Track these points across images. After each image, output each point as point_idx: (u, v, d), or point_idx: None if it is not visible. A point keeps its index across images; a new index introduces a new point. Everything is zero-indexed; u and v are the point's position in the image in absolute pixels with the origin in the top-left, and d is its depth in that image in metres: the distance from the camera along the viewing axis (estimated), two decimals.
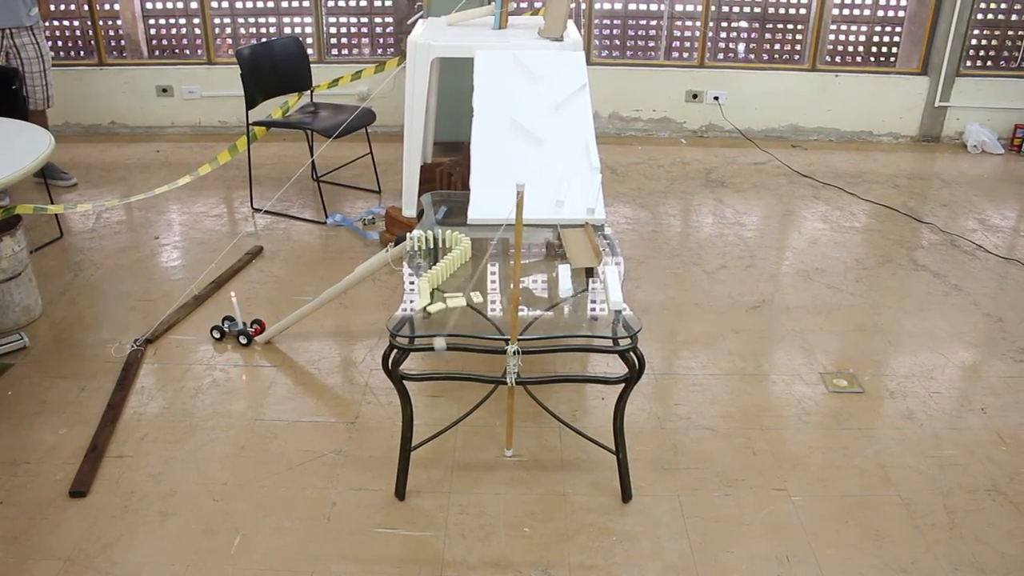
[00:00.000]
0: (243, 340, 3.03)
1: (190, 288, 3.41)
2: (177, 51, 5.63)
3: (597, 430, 2.48)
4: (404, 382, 2.17)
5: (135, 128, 5.61)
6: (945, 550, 2.14)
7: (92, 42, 5.48)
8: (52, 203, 4.07)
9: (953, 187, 4.80)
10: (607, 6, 5.53)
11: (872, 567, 2.09)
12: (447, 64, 3.83)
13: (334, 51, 5.62)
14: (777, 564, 2.10)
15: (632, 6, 5.54)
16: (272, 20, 5.57)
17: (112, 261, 3.71)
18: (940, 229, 4.18)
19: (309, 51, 4.82)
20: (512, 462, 2.45)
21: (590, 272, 2.30)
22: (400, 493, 2.29)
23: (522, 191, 1.84)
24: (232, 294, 3.12)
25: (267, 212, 4.25)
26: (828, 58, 5.63)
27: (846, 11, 5.56)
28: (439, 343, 2.01)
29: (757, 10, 5.55)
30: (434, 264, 2.28)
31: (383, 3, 5.54)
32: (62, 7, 5.43)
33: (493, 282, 2.32)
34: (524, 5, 4.38)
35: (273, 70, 4.22)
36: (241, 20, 5.57)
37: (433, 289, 2.20)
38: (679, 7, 5.51)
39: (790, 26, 5.58)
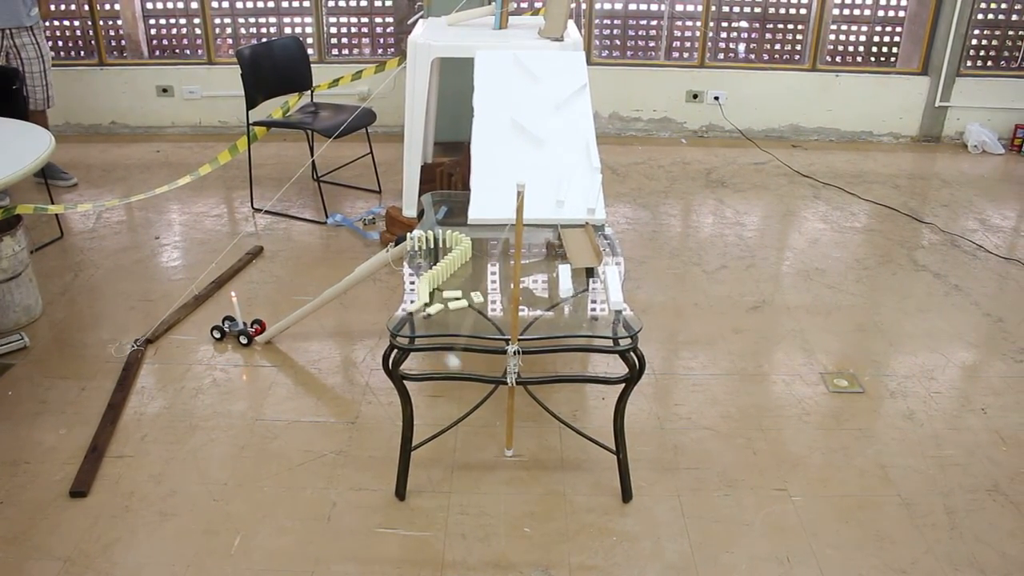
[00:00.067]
0: (243, 340, 3.03)
1: (190, 288, 3.41)
2: (177, 51, 5.63)
3: (597, 430, 2.48)
4: (404, 382, 2.17)
5: (135, 128, 5.61)
6: (945, 550, 2.14)
7: (92, 42, 5.48)
8: (52, 203, 4.07)
9: (953, 187, 4.80)
10: (607, 6, 5.52)
11: (872, 567, 2.09)
12: (447, 64, 3.83)
13: (334, 51, 5.62)
14: (777, 564, 2.09)
15: (632, 6, 5.54)
16: (272, 20, 5.57)
17: (112, 261, 3.71)
18: (940, 229, 4.18)
19: (309, 51, 4.83)
20: (512, 462, 2.45)
21: (590, 272, 2.30)
22: (400, 493, 2.29)
23: (522, 191, 1.84)
24: (232, 294, 3.12)
25: (267, 212, 4.25)
26: (828, 58, 5.63)
27: (846, 11, 5.56)
28: (453, 361, 2.04)
29: (757, 10, 5.55)
30: (434, 264, 2.28)
31: (383, 3, 5.54)
32: (62, 7, 5.43)
33: (493, 282, 2.31)
34: (524, 5, 4.38)
35: (273, 70, 4.22)
36: (241, 20, 5.57)
37: (433, 289, 2.20)
38: (679, 7, 5.51)
39: (790, 26, 5.58)
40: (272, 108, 4.29)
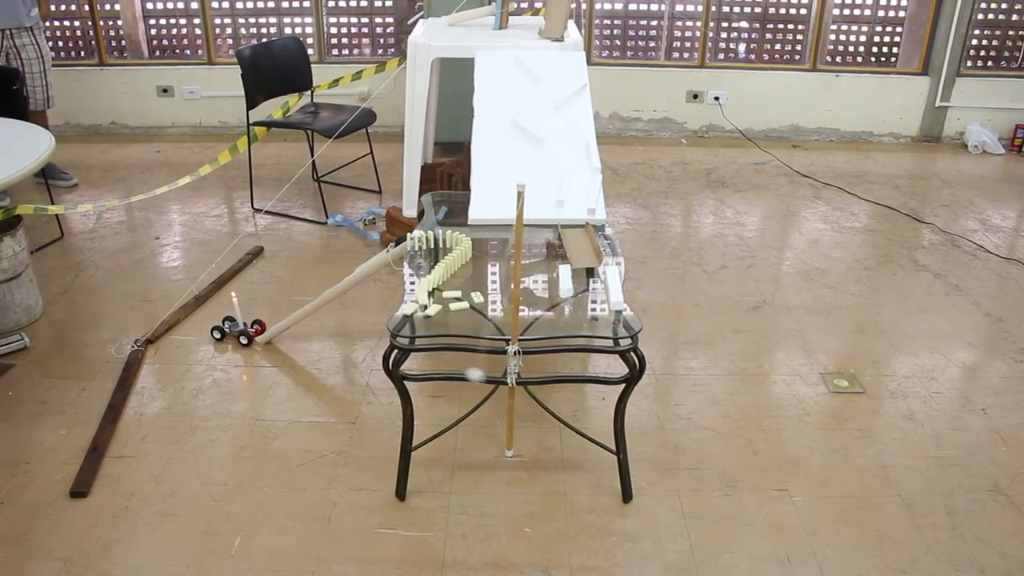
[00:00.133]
0: (244, 340, 3.03)
1: (191, 288, 3.41)
2: (178, 51, 5.63)
3: (598, 430, 2.48)
4: (405, 382, 2.17)
5: (135, 128, 5.61)
6: (946, 551, 2.14)
7: (92, 42, 5.48)
8: (53, 203, 4.07)
9: (954, 187, 4.80)
10: (607, 6, 5.53)
11: (873, 567, 2.09)
12: (448, 64, 3.83)
13: (335, 51, 5.62)
14: (778, 565, 2.09)
15: (632, 6, 5.54)
16: (272, 20, 5.57)
17: (112, 261, 3.71)
18: (941, 229, 4.17)
19: (310, 51, 4.83)
20: (513, 462, 2.45)
21: (591, 272, 2.30)
22: (401, 493, 2.29)
23: (523, 191, 1.84)
24: (232, 294, 3.12)
25: (268, 212, 4.25)
26: (829, 58, 5.63)
27: (847, 11, 5.56)
28: (475, 374, 2.05)
29: (758, 10, 5.55)
30: (435, 264, 2.28)
31: (383, 3, 5.54)
32: (62, 7, 5.43)
33: (494, 282, 2.31)
34: (524, 5, 4.38)
35: (274, 70, 4.22)
36: (241, 20, 5.57)
37: (433, 289, 2.20)
38: (679, 7, 5.51)
39: (791, 26, 5.58)
40: (272, 108, 4.29)
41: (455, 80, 4.05)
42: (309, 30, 5.53)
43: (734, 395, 2.78)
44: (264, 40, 4.50)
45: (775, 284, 3.57)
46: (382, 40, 5.65)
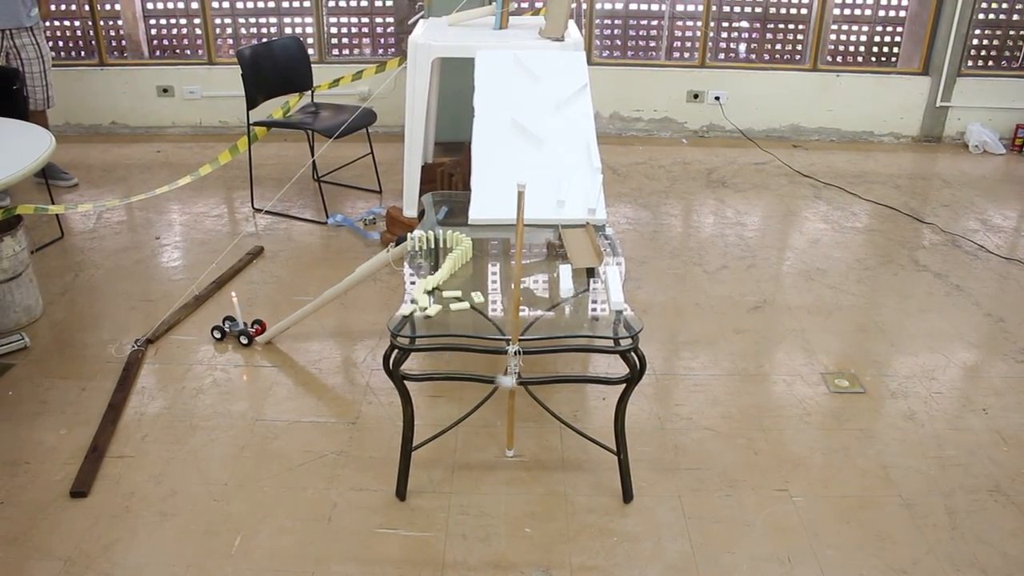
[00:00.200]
0: (244, 340, 3.03)
1: (191, 288, 3.40)
2: (178, 51, 5.63)
3: (598, 430, 2.48)
4: (405, 382, 2.17)
5: (136, 128, 5.61)
6: (947, 551, 2.14)
7: (93, 42, 5.48)
8: (53, 203, 4.07)
9: (954, 187, 4.80)
10: (608, 6, 5.52)
11: (873, 568, 2.08)
12: (448, 64, 3.82)
13: (335, 51, 5.62)
14: (778, 565, 2.09)
15: (633, 6, 5.54)
16: (273, 20, 5.57)
17: (113, 261, 3.71)
18: (941, 229, 4.17)
19: (310, 51, 4.83)
20: (513, 462, 2.45)
21: (591, 272, 2.30)
22: (401, 493, 2.29)
23: (523, 191, 1.84)
24: (233, 294, 3.12)
25: (268, 212, 4.25)
26: (829, 58, 5.63)
27: (847, 11, 5.56)
28: (506, 381, 2.05)
29: (758, 10, 5.55)
30: (435, 264, 2.28)
31: (384, 3, 5.54)
32: (62, 7, 5.43)
33: (494, 282, 2.31)
34: (525, 5, 4.37)
35: (274, 70, 4.22)
36: (242, 20, 5.57)
37: (434, 289, 2.20)
38: (680, 7, 5.51)
39: (791, 26, 5.58)
40: (272, 108, 4.29)
41: (455, 80, 4.04)
42: (309, 30, 5.53)
43: (735, 395, 2.78)
44: (264, 40, 4.50)
45: (776, 284, 3.57)
46: (382, 40, 5.65)
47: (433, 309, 2.12)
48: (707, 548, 2.14)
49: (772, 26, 5.58)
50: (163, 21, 5.57)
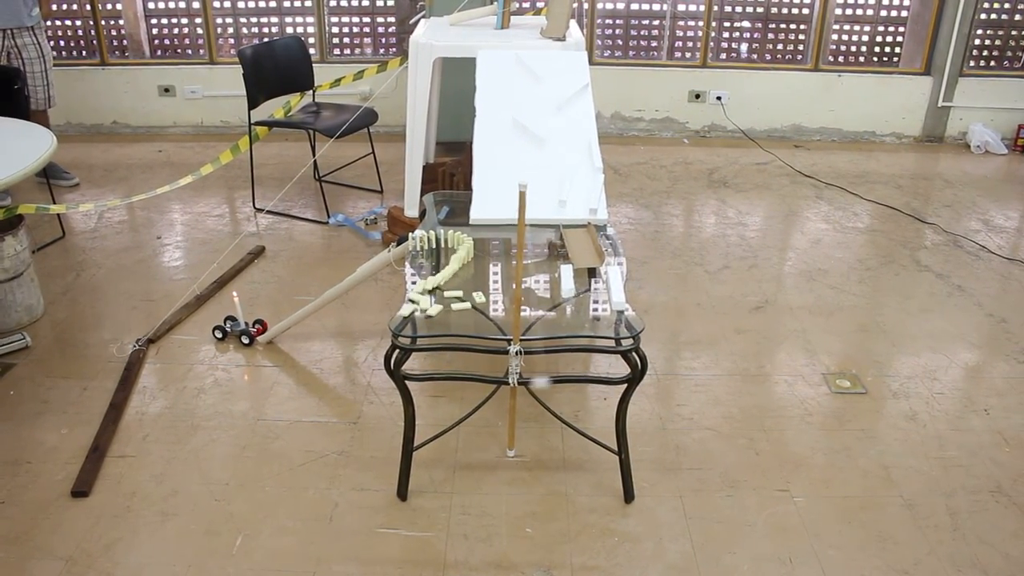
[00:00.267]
0: (245, 340, 3.03)
1: (192, 288, 3.40)
2: (179, 51, 5.63)
3: (599, 430, 2.48)
4: (406, 382, 2.17)
5: (137, 128, 5.61)
6: (948, 551, 2.13)
7: (94, 42, 5.48)
8: (54, 203, 4.07)
9: (956, 187, 4.79)
10: (609, 6, 5.52)
11: (875, 568, 2.08)
12: (449, 64, 3.82)
13: (336, 51, 5.62)
14: (779, 565, 2.09)
15: (634, 6, 5.53)
16: (274, 20, 5.57)
17: (114, 261, 3.72)
18: (943, 230, 4.17)
19: (311, 51, 4.82)
20: (514, 462, 2.45)
21: (592, 272, 2.30)
22: (402, 493, 2.29)
23: (524, 191, 1.84)
24: (234, 294, 3.12)
25: (269, 212, 4.25)
26: (831, 58, 5.62)
27: (849, 11, 5.56)
28: (541, 382, 2.06)
29: (760, 10, 5.54)
30: (436, 264, 2.28)
31: (385, 3, 5.54)
32: (64, 7, 5.43)
33: (495, 282, 2.31)
34: (526, 5, 4.38)
35: (275, 70, 4.22)
36: (243, 20, 5.57)
37: (435, 288, 2.20)
38: (682, 7, 5.51)
39: (793, 26, 5.58)
40: (274, 108, 4.29)
41: (457, 80, 4.04)
42: (311, 30, 5.53)
43: (736, 395, 2.78)
44: (266, 40, 4.50)
45: (777, 284, 3.57)
46: (384, 40, 5.65)
47: (434, 309, 2.12)
48: (708, 548, 2.14)
49: (774, 26, 5.58)
50: (164, 21, 5.58)
